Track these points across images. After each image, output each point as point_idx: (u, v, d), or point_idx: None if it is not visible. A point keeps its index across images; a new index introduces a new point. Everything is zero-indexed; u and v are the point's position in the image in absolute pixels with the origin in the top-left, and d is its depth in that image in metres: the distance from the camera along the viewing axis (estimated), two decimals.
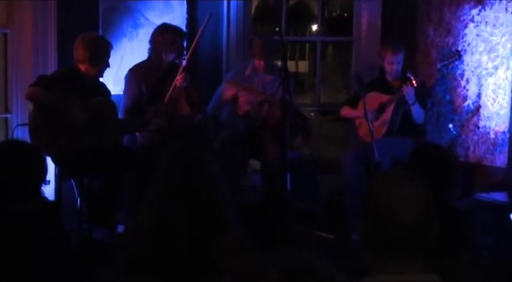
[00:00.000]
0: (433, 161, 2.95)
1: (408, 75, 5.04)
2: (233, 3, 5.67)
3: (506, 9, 5.18)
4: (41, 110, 4.33)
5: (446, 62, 5.13)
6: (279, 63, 5.25)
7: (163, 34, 4.88)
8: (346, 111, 5.45)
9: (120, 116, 4.77)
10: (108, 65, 4.65)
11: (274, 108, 5.00)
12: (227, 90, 5.23)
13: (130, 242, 2.33)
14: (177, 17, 5.55)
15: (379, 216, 1.82)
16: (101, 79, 4.80)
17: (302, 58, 17.69)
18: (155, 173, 2.30)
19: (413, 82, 4.96)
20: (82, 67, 4.56)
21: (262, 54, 5.10)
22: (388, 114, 5.14)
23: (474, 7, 5.39)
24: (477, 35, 5.37)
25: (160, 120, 4.64)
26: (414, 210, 1.81)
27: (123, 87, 4.98)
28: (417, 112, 5.11)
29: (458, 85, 5.51)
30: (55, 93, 4.31)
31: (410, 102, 5.02)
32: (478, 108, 5.36)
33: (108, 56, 4.64)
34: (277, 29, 4.84)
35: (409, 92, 4.98)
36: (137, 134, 4.90)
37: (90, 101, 4.46)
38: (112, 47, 4.71)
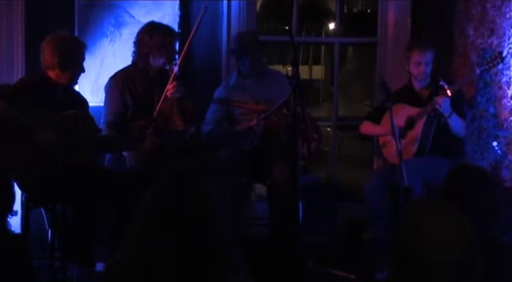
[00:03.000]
0: (474, 187, 2.95)
1: (441, 83, 4.99)
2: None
3: None
4: (3, 126, 4.33)
5: (486, 67, 5.08)
6: (289, 68, 5.26)
7: (151, 35, 4.88)
8: (367, 128, 5.43)
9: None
10: (82, 70, 4.64)
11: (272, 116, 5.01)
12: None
13: None
14: (168, 15, 5.56)
15: (412, 253, 1.82)
16: (76, 87, 4.80)
17: (317, 62, 17.72)
18: (140, 201, 2.29)
19: (448, 91, 4.92)
20: (52, 74, 4.57)
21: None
22: (418, 130, 5.11)
23: None
24: None
25: (157, 138, 4.62)
26: (453, 247, 1.80)
27: (103, 98, 4.98)
28: (456, 124, 5.05)
29: (504, 95, 5.50)
30: (20, 106, 4.31)
31: (446, 114, 4.99)
32: None
33: (82, 59, 4.64)
34: (287, 28, 4.85)
35: (443, 103, 4.93)
36: (125, 153, 4.87)
37: (63, 114, 4.46)
38: (86, 47, 4.71)
